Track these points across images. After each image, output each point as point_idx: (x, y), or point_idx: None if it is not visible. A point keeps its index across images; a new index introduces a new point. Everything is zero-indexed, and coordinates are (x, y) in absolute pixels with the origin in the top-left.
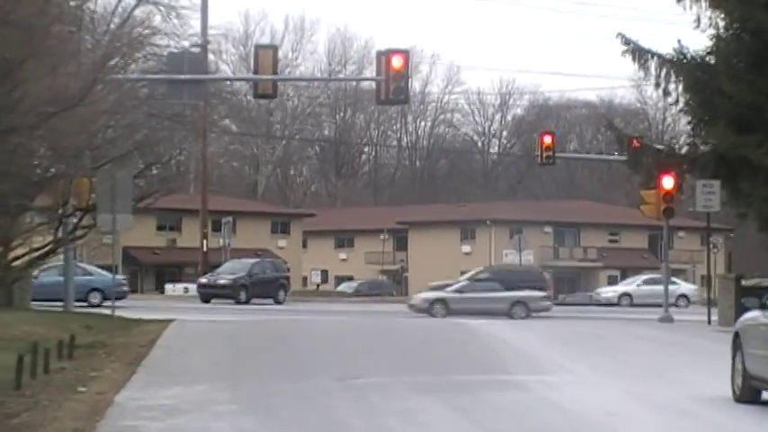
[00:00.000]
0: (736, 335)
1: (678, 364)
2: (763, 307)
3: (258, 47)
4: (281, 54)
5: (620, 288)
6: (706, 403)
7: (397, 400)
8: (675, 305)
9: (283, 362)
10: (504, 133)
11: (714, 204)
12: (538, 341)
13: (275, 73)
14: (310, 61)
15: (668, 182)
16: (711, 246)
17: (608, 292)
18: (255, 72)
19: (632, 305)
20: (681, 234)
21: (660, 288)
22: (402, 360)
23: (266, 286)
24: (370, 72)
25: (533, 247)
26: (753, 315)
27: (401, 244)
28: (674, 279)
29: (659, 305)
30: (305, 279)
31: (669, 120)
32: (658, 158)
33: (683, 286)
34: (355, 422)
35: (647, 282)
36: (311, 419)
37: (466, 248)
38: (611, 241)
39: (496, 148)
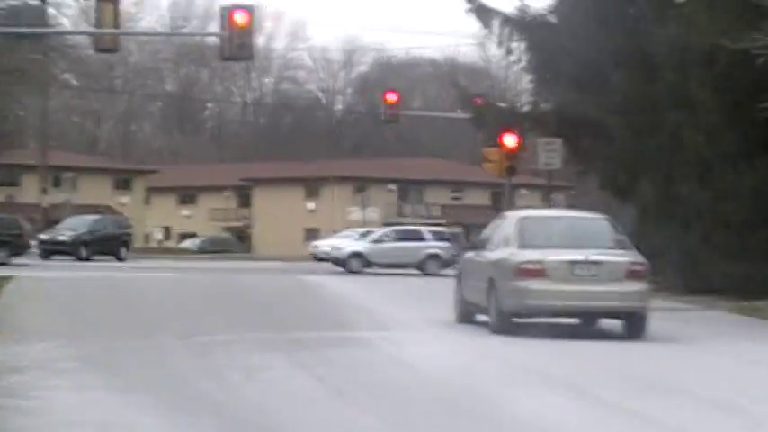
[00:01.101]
0: (458, 270)
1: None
2: (474, 248)
3: (99, 0)
4: (122, 8)
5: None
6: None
7: (240, 357)
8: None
9: (125, 319)
10: (349, 90)
11: (555, 162)
12: (381, 297)
13: (117, 27)
14: (153, 16)
15: (510, 140)
16: (552, 203)
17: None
18: (96, 26)
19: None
20: (523, 191)
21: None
22: (246, 318)
23: (108, 243)
24: (213, 27)
25: (378, 205)
26: (468, 255)
27: (245, 201)
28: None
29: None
30: (147, 236)
31: (512, 78)
32: (501, 117)
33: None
34: (198, 378)
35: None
36: (154, 376)
37: (310, 206)
38: (454, 198)
39: (341, 105)
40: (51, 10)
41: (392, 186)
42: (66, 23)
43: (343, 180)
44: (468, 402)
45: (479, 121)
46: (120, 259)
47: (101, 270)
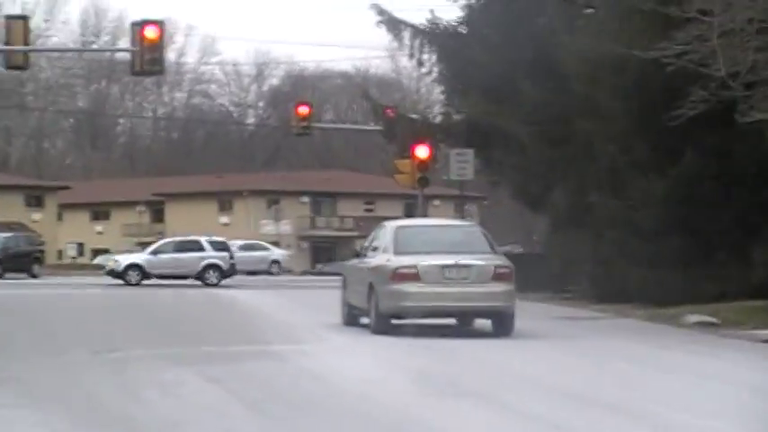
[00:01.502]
0: (344, 277)
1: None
2: (357, 256)
3: (9, 17)
4: (32, 24)
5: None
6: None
7: (154, 373)
8: (269, 272)
9: (38, 336)
10: (261, 104)
11: (468, 172)
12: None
13: (27, 44)
14: (63, 32)
15: (422, 151)
16: (465, 213)
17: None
18: (6, 43)
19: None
20: (436, 202)
21: (256, 254)
22: (157, 333)
23: (20, 260)
24: (124, 43)
25: (291, 217)
26: (352, 262)
27: (158, 216)
28: (265, 245)
29: (257, 272)
30: (60, 252)
31: (424, 90)
32: (413, 128)
33: (276, 252)
34: (113, 395)
35: (243, 248)
36: (69, 393)
37: (224, 219)
38: (366, 210)
39: (253, 119)
40: None
41: (305, 199)
42: None
43: (256, 193)
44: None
45: (391, 133)
46: (33, 276)
47: (13, 288)
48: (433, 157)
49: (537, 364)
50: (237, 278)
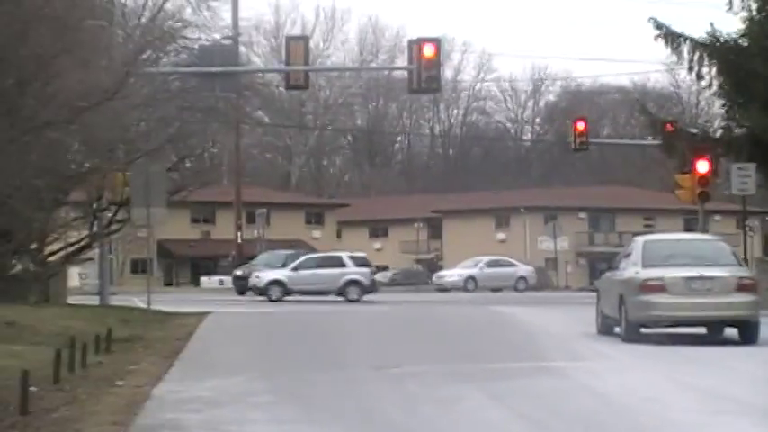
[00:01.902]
0: (597, 289)
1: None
2: (610, 269)
3: (289, 38)
4: (312, 44)
5: (464, 271)
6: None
7: (433, 389)
8: (515, 288)
9: (319, 352)
10: (537, 120)
11: (749, 187)
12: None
13: (307, 64)
14: (342, 51)
15: (703, 166)
16: (747, 229)
17: (452, 275)
18: (287, 63)
19: (477, 288)
20: (716, 218)
21: (503, 270)
22: (436, 348)
23: None
24: (401, 61)
25: (568, 234)
26: (606, 275)
27: (435, 233)
28: (512, 261)
29: (502, 288)
30: None
31: (703, 103)
32: (692, 142)
33: (521, 268)
34: (392, 410)
35: (489, 264)
36: (348, 408)
37: (500, 236)
38: (646, 226)
39: (529, 134)
40: (243, 49)
41: (582, 215)
42: (257, 62)
43: (532, 209)
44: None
45: (670, 148)
46: None
47: (295, 305)
48: (713, 172)
49: None
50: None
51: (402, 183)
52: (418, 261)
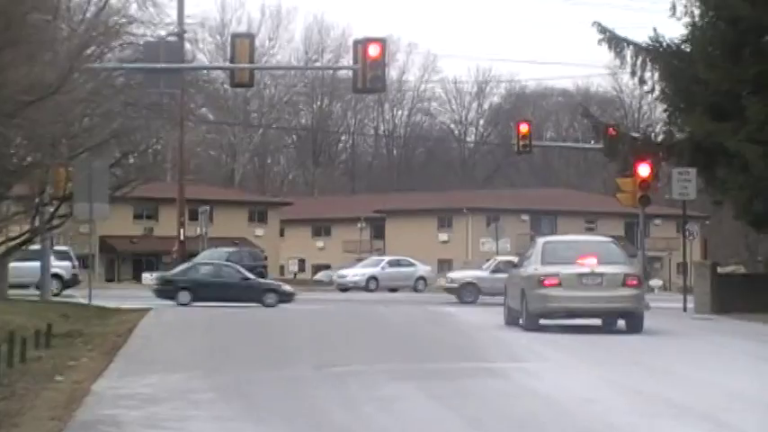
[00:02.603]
0: (505, 285)
1: None
2: (515, 267)
3: (235, 35)
4: (257, 43)
5: (366, 271)
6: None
7: (373, 389)
8: (415, 288)
9: (261, 350)
10: (481, 121)
11: (690, 192)
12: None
13: (252, 62)
14: (287, 50)
15: (644, 170)
16: (687, 233)
17: (355, 275)
18: (232, 61)
19: (378, 288)
20: (657, 222)
21: (403, 270)
22: (379, 348)
23: None
24: (347, 60)
25: (510, 235)
26: (511, 272)
27: (379, 232)
28: (411, 260)
29: (401, 287)
30: (282, 268)
31: (645, 108)
32: (634, 146)
33: (420, 268)
34: (334, 409)
35: (391, 264)
36: (289, 407)
37: (443, 237)
38: (587, 229)
39: (473, 136)
40: (188, 46)
41: (525, 217)
42: (202, 59)
43: (475, 211)
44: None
45: (612, 151)
46: None
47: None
48: (654, 176)
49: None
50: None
51: (346, 182)
52: (361, 260)
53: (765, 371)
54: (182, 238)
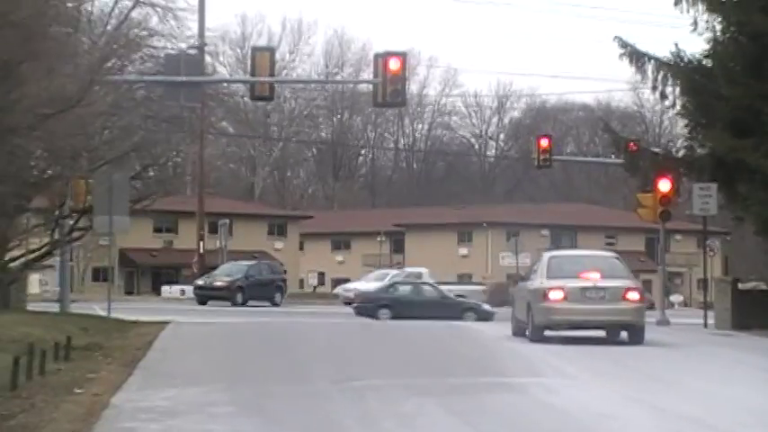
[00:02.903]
0: (512, 297)
1: None
2: (522, 281)
3: (255, 49)
4: (278, 56)
5: (372, 285)
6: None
7: (393, 403)
8: None
9: (280, 364)
10: (502, 136)
11: (711, 208)
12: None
13: (272, 75)
14: (307, 63)
15: (665, 185)
16: (708, 249)
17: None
18: (252, 74)
19: None
20: (677, 237)
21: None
22: (398, 363)
23: (263, 288)
24: (367, 74)
25: (530, 250)
26: (519, 285)
27: (398, 246)
28: (422, 272)
29: None
30: (302, 281)
31: (666, 123)
32: (655, 161)
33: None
34: (352, 424)
35: (396, 277)
36: (309, 422)
37: (463, 251)
38: (608, 244)
39: (493, 150)
40: (208, 59)
41: (545, 232)
42: (223, 72)
43: (495, 225)
44: None
45: (633, 166)
46: (275, 304)
47: (256, 315)
48: (675, 192)
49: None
50: None
51: (366, 196)
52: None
53: None
54: (201, 251)
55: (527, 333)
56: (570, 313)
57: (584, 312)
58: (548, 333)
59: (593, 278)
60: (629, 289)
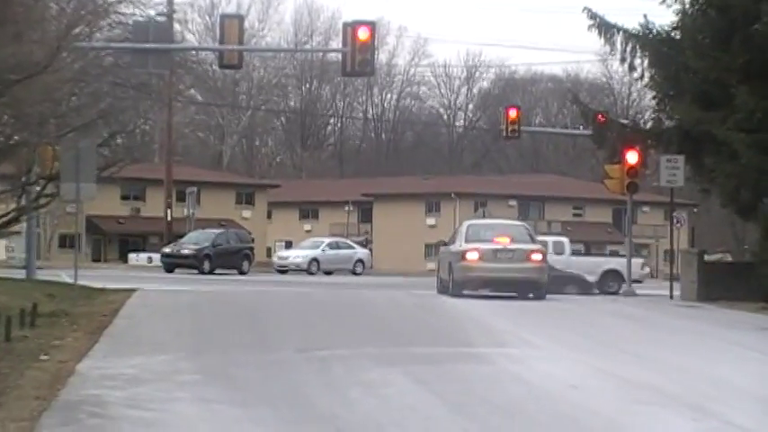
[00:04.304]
0: (437, 260)
1: None
2: (445, 245)
3: (224, 16)
4: (247, 24)
5: (308, 252)
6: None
7: (359, 372)
8: (353, 271)
9: (246, 333)
10: (470, 106)
11: (678, 179)
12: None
13: (241, 43)
14: (276, 32)
15: (632, 157)
16: (675, 221)
17: (297, 256)
18: (221, 42)
19: (319, 270)
20: (645, 209)
21: (343, 252)
22: (364, 332)
23: (230, 257)
24: (336, 43)
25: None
26: (442, 249)
27: (366, 216)
28: (350, 243)
29: (341, 270)
30: (269, 250)
31: (634, 95)
32: (623, 133)
33: (359, 251)
34: (317, 393)
35: (330, 246)
36: (274, 390)
37: (431, 221)
38: (575, 215)
39: (462, 121)
40: (177, 26)
41: (512, 202)
42: (191, 39)
43: (463, 196)
44: None
45: (601, 138)
46: (242, 273)
47: (223, 284)
48: (643, 163)
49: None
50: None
51: (334, 165)
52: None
53: (750, 359)
54: (169, 218)
55: (449, 290)
56: (484, 271)
57: (496, 270)
58: (466, 292)
59: (503, 242)
60: (532, 251)
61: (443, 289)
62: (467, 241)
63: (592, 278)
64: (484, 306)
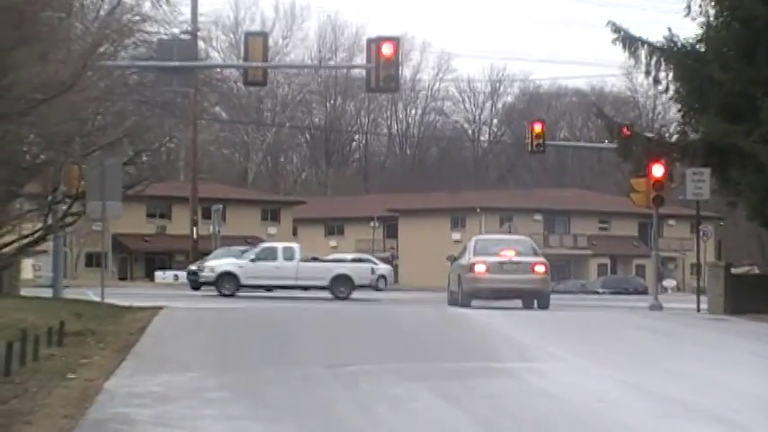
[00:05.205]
0: (448, 274)
1: None
2: (455, 259)
3: (248, 34)
4: (271, 41)
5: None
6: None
7: (386, 388)
8: (375, 287)
9: (273, 349)
10: (495, 121)
11: (704, 192)
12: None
13: (265, 60)
14: (301, 48)
15: (658, 170)
16: (701, 234)
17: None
18: (245, 59)
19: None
20: (671, 222)
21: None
22: (390, 347)
23: None
24: (360, 59)
25: (523, 235)
26: (453, 263)
27: (391, 232)
28: (373, 259)
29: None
30: None
31: (659, 108)
32: (648, 147)
33: (382, 267)
34: (345, 408)
35: (353, 261)
36: (300, 406)
37: (456, 236)
38: (601, 229)
39: (487, 135)
40: (201, 44)
41: (538, 216)
42: (216, 57)
43: (488, 210)
44: None
45: (626, 152)
46: (268, 290)
47: (249, 301)
48: (668, 177)
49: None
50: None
51: (359, 181)
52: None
53: None
54: (194, 236)
55: (459, 301)
56: (491, 282)
57: (502, 281)
58: (475, 303)
59: (509, 255)
60: (536, 263)
61: (453, 301)
62: (475, 254)
63: (322, 283)
64: (506, 317)
